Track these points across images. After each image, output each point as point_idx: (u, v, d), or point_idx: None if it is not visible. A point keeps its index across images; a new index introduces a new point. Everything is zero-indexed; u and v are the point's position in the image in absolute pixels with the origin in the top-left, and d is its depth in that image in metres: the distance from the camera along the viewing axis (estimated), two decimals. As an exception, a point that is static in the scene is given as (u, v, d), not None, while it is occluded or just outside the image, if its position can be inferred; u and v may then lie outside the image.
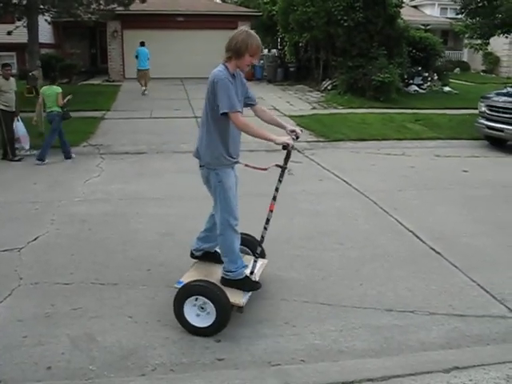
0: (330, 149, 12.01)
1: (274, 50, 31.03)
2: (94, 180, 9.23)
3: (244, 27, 4.35)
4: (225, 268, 4.51)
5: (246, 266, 4.54)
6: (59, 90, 10.80)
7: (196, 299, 4.28)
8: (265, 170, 4.39)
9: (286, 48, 25.14)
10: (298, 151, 11.59)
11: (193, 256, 4.97)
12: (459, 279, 5.45)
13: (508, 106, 12.36)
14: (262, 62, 26.05)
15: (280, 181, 4.39)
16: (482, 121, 13.08)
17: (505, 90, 14.07)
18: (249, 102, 4.55)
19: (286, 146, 4.20)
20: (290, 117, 15.28)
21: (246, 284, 4.50)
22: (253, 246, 4.93)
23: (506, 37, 17.03)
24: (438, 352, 4.08)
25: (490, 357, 3.94)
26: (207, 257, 4.93)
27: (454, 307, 4.84)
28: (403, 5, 22.21)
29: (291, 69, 24.46)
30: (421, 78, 22.37)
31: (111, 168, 10.17)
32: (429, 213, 7.58)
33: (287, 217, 6.99)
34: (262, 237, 4.54)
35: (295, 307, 4.79)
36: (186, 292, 4.30)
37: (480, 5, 16.12)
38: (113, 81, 24.16)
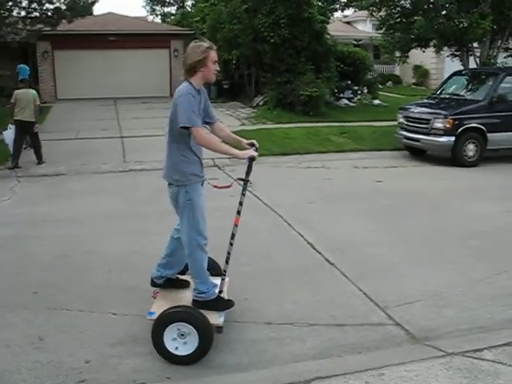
0: (252, 164, 12.04)
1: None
2: (3, 203, 9.03)
3: (193, 42, 4.33)
4: (197, 290, 4.36)
5: (216, 286, 4.45)
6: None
7: (177, 327, 4.09)
8: (229, 186, 4.43)
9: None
10: (219, 168, 11.62)
11: (154, 284, 4.69)
12: (347, 289, 5.54)
13: (423, 116, 12.76)
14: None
15: (243, 194, 4.39)
16: (401, 131, 13.44)
17: (422, 101, 14.54)
18: (207, 120, 4.51)
19: (252, 159, 4.30)
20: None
21: (220, 303, 4.42)
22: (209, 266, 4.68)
23: (423, 51, 17.64)
24: (306, 363, 4.11)
25: (356, 365, 3.98)
26: (169, 284, 4.68)
27: (335, 317, 4.91)
28: (335, 21, 22.72)
29: (225, 86, 24.52)
30: (351, 91, 22.79)
31: (24, 191, 9.96)
32: (333, 224, 7.70)
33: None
34: (229, 253, 4.43)
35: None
36: (166, 320, 4.10)
37: (398, 21, 16.73)
38: (44, 102, 23.62)
